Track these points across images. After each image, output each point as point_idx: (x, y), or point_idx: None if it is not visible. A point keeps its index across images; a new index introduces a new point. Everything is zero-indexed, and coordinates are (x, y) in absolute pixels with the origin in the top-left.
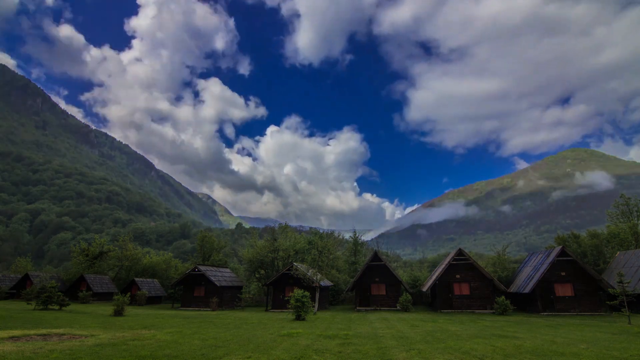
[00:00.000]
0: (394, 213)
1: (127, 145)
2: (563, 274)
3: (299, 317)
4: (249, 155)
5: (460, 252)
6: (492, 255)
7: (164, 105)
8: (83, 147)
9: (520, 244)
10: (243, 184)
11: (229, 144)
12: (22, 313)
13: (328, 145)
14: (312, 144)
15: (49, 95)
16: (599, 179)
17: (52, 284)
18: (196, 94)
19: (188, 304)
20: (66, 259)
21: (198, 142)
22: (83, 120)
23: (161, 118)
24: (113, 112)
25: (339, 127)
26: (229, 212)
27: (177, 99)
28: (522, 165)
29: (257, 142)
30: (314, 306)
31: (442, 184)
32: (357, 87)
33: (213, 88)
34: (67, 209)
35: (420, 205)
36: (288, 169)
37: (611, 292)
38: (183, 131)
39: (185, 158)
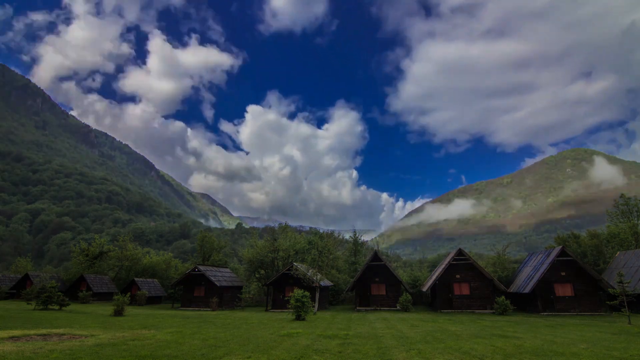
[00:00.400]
0: (393, 208)
1: (127, 145)
2: (563, 274)
3: (299, 317)
4: (231, 140)
5: (460, 252)
6: (492, 255)
7: (110, 68)
8: (83, 147)
9: (520, 244)
10: (228, 175)
11: (207, 129)
12: (22, 313)
13: (321, 129)
14: (302, 127)
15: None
16: (599, 179)
17: (52, 284)
18: (143, 61)
19: (188, 304)
20: (66, 259)
21: (156, 121)
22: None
23: (108, 91)
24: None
25: (332, 104)
26: (228, 212)
27: (120, 69)
28: (539, 151)
29: (237, 125)
30: (314, 306)
31: (447, 173)
32: (345, 59)
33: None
34: (67, 209)
35: (420, 201)
36: (275, 157)
37: (611, 292)
38: (135, 108)
39: (151, 142)
